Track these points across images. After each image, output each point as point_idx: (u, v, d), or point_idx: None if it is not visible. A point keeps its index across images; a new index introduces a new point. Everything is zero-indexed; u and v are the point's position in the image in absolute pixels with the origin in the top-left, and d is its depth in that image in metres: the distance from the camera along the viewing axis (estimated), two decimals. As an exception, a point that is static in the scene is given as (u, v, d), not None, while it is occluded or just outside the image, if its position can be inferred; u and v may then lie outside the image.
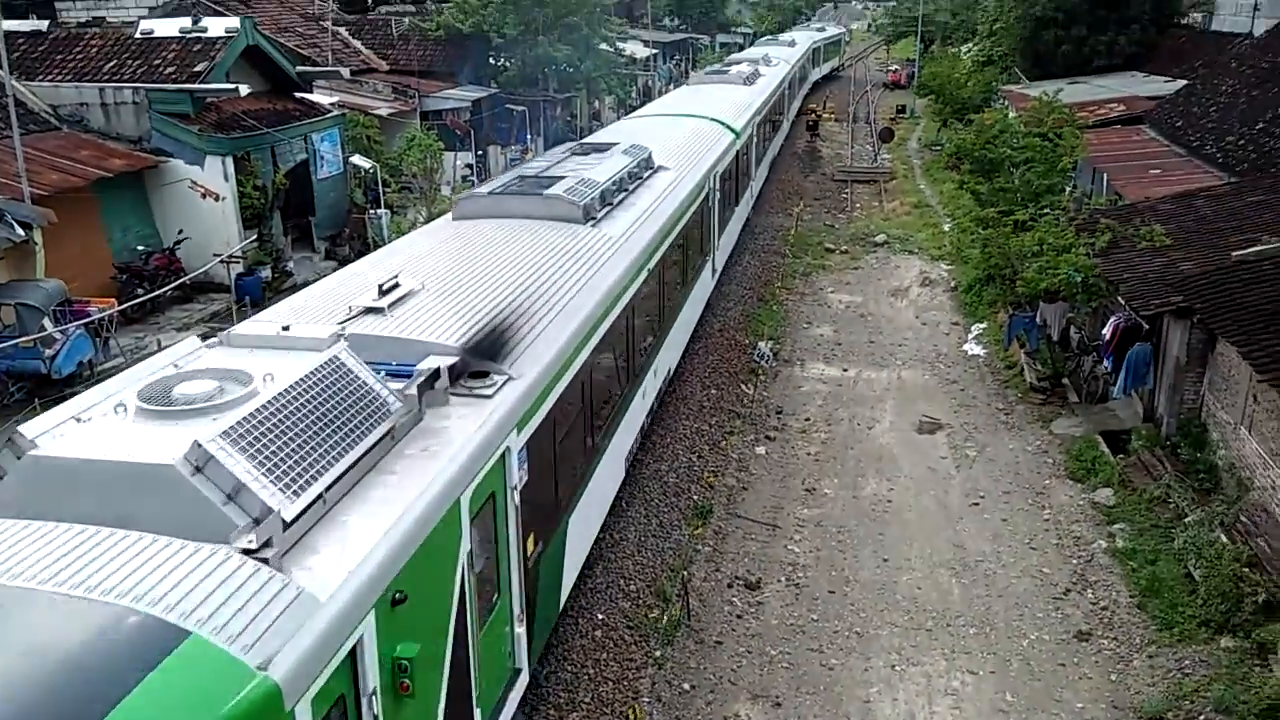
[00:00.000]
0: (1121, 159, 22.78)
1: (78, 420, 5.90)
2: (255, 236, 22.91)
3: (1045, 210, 19.28)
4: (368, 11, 43.87)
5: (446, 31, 37.89)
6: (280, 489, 5.46)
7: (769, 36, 67.42)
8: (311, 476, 5.73)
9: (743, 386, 17.95)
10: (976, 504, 13.84)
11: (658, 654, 10.66)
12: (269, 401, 5.96)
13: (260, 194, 23.62)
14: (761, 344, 19.72)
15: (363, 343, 7.54)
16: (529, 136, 37.60)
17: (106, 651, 4.35)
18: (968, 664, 10.57)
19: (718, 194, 19.97)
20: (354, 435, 6.26)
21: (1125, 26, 35.24)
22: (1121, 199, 20.26)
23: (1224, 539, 11.41)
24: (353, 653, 5.29)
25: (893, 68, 70.85)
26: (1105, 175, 22.89)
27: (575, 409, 9.87)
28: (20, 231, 17.23)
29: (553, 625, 9.80)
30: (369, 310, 8.38)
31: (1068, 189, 22.82)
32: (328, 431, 6.09)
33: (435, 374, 7.41)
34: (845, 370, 18.99)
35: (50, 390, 16.04)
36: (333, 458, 5.98)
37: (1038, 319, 18.11)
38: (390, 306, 8.44)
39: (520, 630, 8.14)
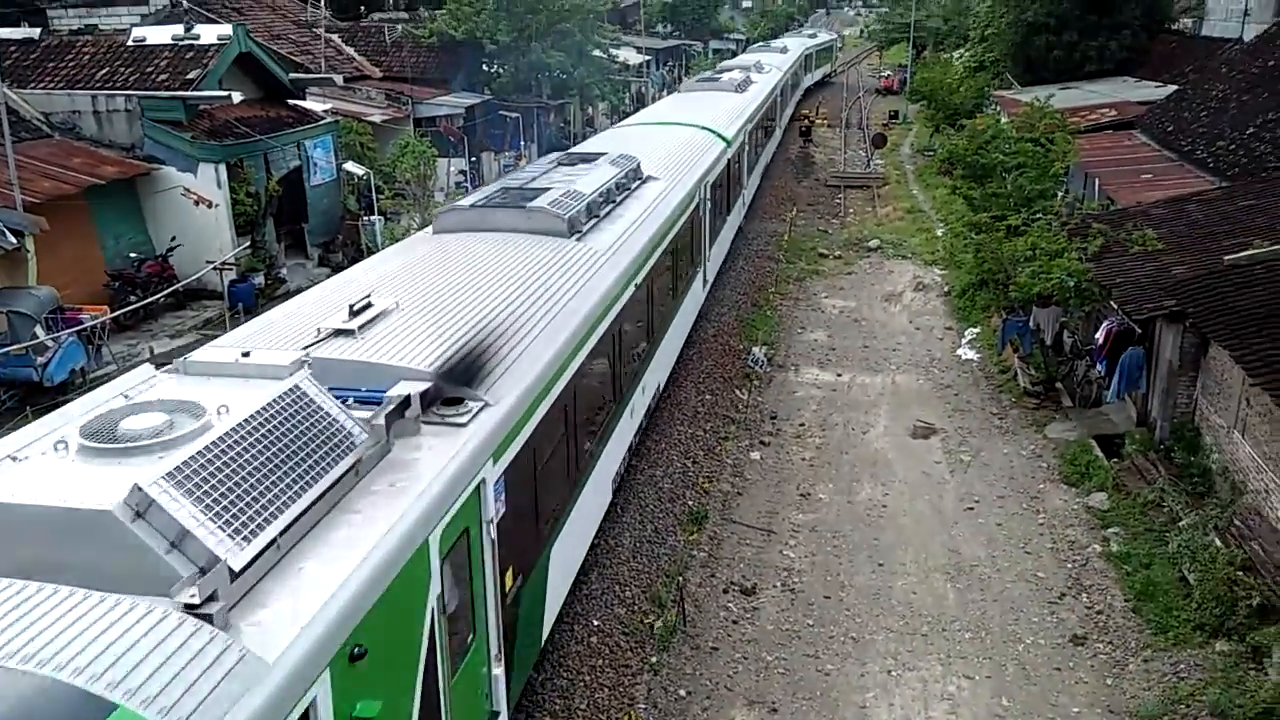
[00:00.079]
0: (1113, 164, 22.86)
1: (13, 459, 5.47)
2: (248, 243, 22.91)
3: (1038, 215, 19.31)
4: (361, 18, 43.90)
5: (440, 38, 37.90)
6: (230, 535, 5.05)
7: (761, 43, 67.61)
8: (265, 520, 5.30)
9: (737, 392, 17.96)
10: (971, 508, 13.86)
11: (654, 660, 10.65)
12: (222, 436, 5.54)
13: (253, 201, 23.60)
14: (756, 349, 19.73)
15: (330, 368, 7.26)
16: (522, 143, 37.64)
17: None
18: (963, 669, 10.57)
19: (709, 204, 19.69)
20: (314, 472, 5.83)
21: (1116, 32, 35.37)
22: (1113, 204, 20.32)
23: (1218, 543, 11.44)
24: (305, 717, 4.87)
25: (885, 74, 71.08)
26: (1097, 180, 22.96)
27: (558, 433, 9.47)
28: (12, 239, 17.22)
29: (535, 661, 9.40)
30: (338, 332, 7.99)
31: (1060, 194, 22.89)
32: (286, 468, 5.68)
33: (405, 402, 6.98)
34: (839, 375, 19.01)
35: (42, 398, 15.99)
36: (290, 498, 5.55)
37: (1031, 324, 18.14)
38: (361, 328, 8.06)
39: (498, 671, 7.69)
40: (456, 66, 37.88)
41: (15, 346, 16.01)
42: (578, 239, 12.07)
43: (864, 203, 34.39)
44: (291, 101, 26.51)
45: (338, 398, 6.84)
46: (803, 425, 16.73)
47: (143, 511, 4.89)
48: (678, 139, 20.75)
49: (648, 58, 59.19)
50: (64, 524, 4.85)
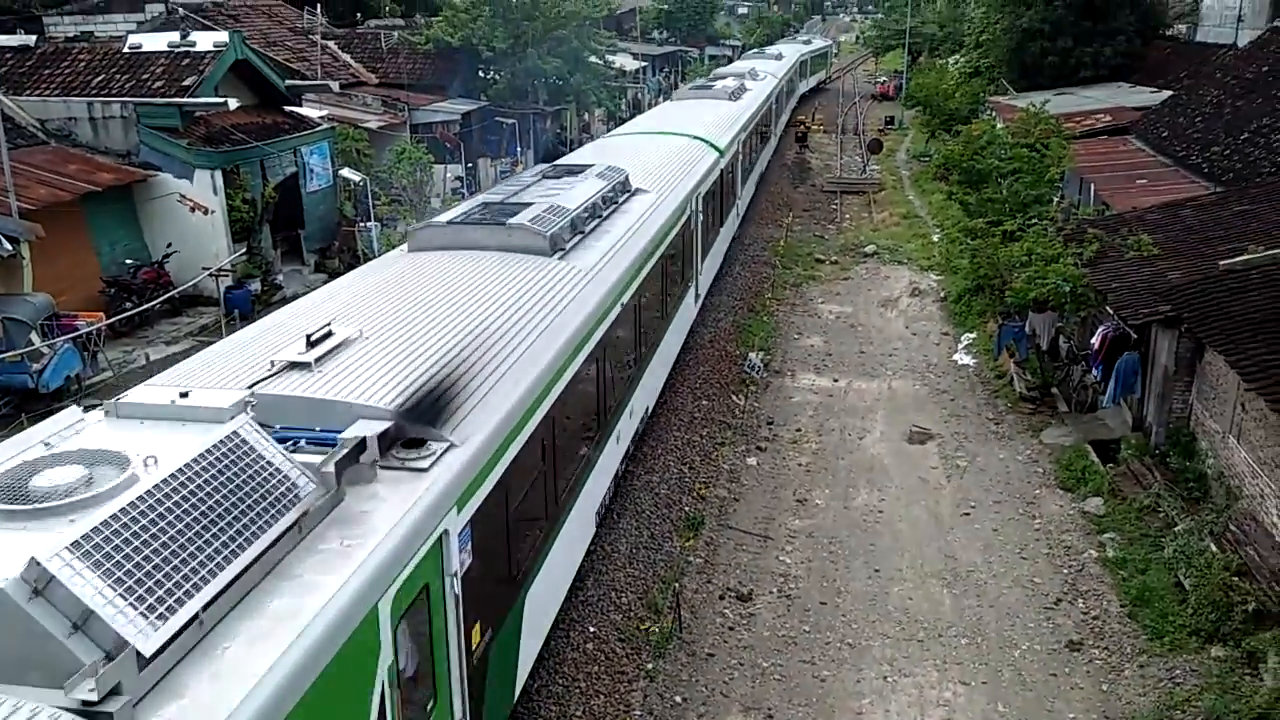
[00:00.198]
0: (1108, 169, 22.93)
1: None
2: (244, 250, 22.90)
3: (1033, 220, 19.39)
4: (356, 25, 43.95)
5: (436, 45, 37.95)
6: (143, 613, 4.40)
7: (756, 49, 67.75)
8: (188, 592, 4.66)
9: (733, 397, 17.96)
10: (967, 514, 13.86)
11: (649, 666, 10.63)
12: (145, 494, 4.94)
13: (249, 207, 23.62)
14: (752, 355, 19.74)
15: (280, 406, 6.72)
16: (519, 149, 37.69)
17: None
18: (960, 675, 10.57)
19: (700, 216, 19.20)
20: (250, 532, 5.20)
21: (1111, 38, 35.51)
22: (1109, 209, 20.37)
23: (1213, 548, 11.45)
24: None
25: (881, 79, 71.23)
26: (1092, 185, 23.02)
27: (534, 470, 8.79)
28: (8, 246, 17.20)
29: (508, 716, 8.65)
30: (293, 365, 7.31)
31: (1055, 199, 22.96)
32: (217, 529, 5.06)
33: (360, 445, 6.30)
34: (836, 381, 19.02)
35: (38, 405, 15.96)
36: (219, 564, 4.91)
37: (1027, 329, 18.17)
38: (319, 360, 7.38)
39: None
40: (453, 73, 37.94)
41: (11, 353, 15.99)
42: (560, 257, 11.53)
43: (860, 208, 34.45)
44: (287, 108, 26.52)
45: (288, 440, 6.40)
46: (799, 431, 16.73)
47: (41, 588, 4.30)
48: (668, 149, 20.31)
49: (644, 64, 59.36)
50: None
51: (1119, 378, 15.13)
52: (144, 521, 4.80)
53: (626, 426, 13.12)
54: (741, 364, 19.41)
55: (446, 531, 6.55)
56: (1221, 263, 13.72)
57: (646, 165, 17.68)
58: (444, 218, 12.47)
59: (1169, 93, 28.26)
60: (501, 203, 12.82)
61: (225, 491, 5.29)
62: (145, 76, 23.39)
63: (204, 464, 5.35)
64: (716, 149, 22.02)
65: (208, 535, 5.00)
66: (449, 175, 31.89)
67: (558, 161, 17.98)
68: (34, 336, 16.52)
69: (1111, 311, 14.99)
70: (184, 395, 6.04)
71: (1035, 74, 36.62)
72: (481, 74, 39.09)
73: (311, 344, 7.55)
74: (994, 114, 33.17)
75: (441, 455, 6.77)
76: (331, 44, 37.21)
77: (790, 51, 58.56)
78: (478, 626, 7.34)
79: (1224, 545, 11.40)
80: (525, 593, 8.70)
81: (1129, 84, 33.69)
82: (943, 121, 39.57)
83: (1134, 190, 20.49)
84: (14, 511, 4.90)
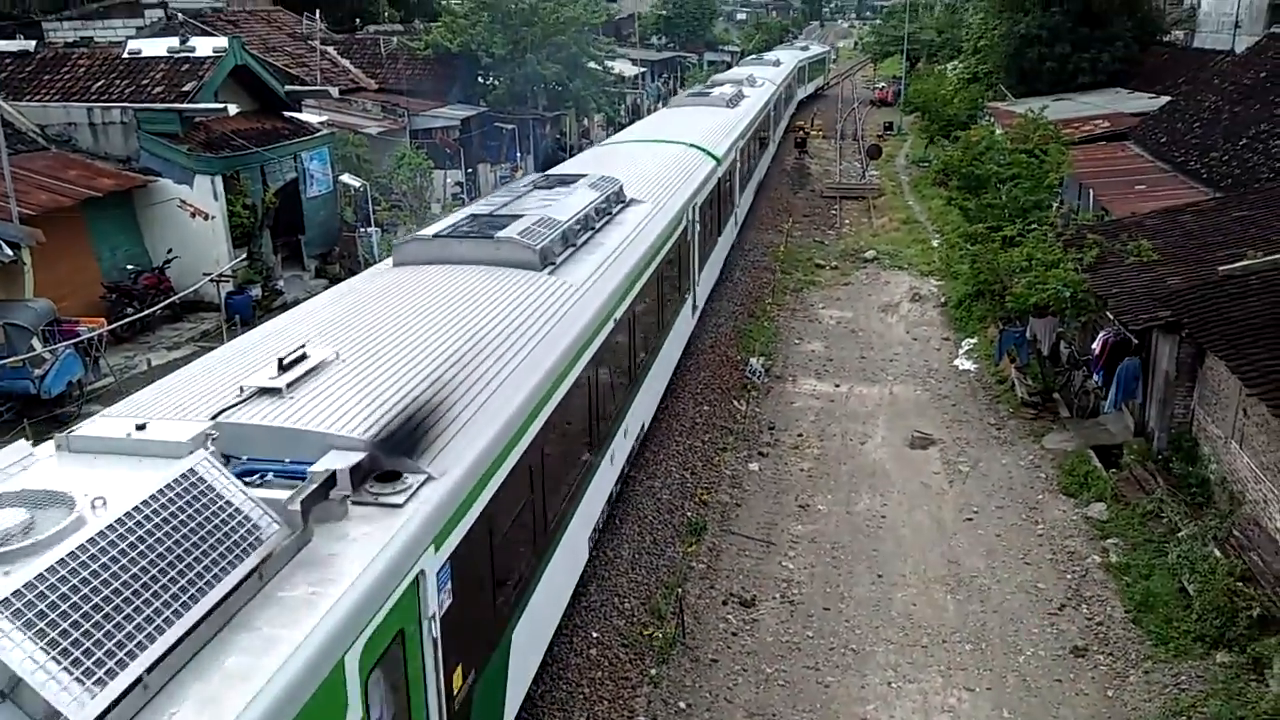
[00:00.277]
0: (1107, 175, 22.98)
1: None
2: (245, 255, 22.90)
3: (1033, 226, 19.43)
4: (356, 31, 43.96)
5: (435, 50, 37.99)
6: (78, 678, 4.02)
7: (754, 55, 67.86)
8: (130, 653, 4.25)
9: (735, 403, 17.96)
10: (970, 519, 13.86)
11: (653, 672, 10.62)
12: (89, 541, 4.53)
13: (250, 213, 23.61)
14: (753, 360, 19.74)
15: (247, 436, 6.32)
16: (518, 154, 37.71)
17: None
18: (964, 680, 10.56)
19: (697, 227, 18.66)
20: (205, 581, 4.76)
21: (1109, 44, 35.62)
22: (1108, 214, 20.42)
23: (1217, 553, 11.45)
24: None
25: (880, 85, 71.39)
26: (1091, 191, 23.07)
27: (520, 500, 8.29)
28: (9, 251, 17.19)
29: None
30: (263, 391, 6.85)
31: (1055, 205, 23.01)
32: (168, 579, 4.62)
33: (330, 480, 5.89)
34: (837, 386, 19.03)
35: (39, 410, 15.93)
36: (168, 619, 4.48)
37: (1028, 334, 18.20)
38: (290, 386, 6.91)
39: None
40: (452, 79, 37.98)
41: (12, 359, 15.95)
42: (550, 272, 11.00)
43: (860, 214, 34.49)
44: (287, 114, 26.52)
45: (254, 473, 6.10)
46: (801, 436, 16.73)
47: None
48: (664, 158, 19.77)
49: (643, 70, 59.46)
50: None
51: (1120, 383, 15.16)
52: (84, 574, 4.39)
53: (621, 446, 12.63)
54: (743, 369, 19.42)
55: (423, 572, 6.13)
56: (1221, 268, 13.74)
57: (642, 174, 17.31)
58: (429, 230, 11.94)
59: (1167, 98, 28.35)
60: (490, 215, 12.26)
61: (179, 535, 4.87)
62: (145, 82, 23.38)
63: (156, 505, 4.92)
64: (714, 157, 21.79)
65: (157, 586, 4.58)
66: (449, 181, 31.90)
67: (550, 171, 17.60)
68: (35, 342, 16.49)
69: (1112, 317, 15.01)
70: (140, 428, 5.60)
71: (1033, 80, 36.71)
72: (481, 79, 39.11)
73: (284, 368, 7.08)
74: (992, 119, 33.28)
75: (418, 489, 6.34)
76: (331, 49, 37.25)
77: (788, 57, 58.63)
78: (459, 670, 6.93)
79: (1228, 551, 11.40)
80: (511, 630, 8.22)
81: (1127, 90, 33.79)
82: (941, 127, 39.69)
83: (1133, 196, 20.54)
84: None
